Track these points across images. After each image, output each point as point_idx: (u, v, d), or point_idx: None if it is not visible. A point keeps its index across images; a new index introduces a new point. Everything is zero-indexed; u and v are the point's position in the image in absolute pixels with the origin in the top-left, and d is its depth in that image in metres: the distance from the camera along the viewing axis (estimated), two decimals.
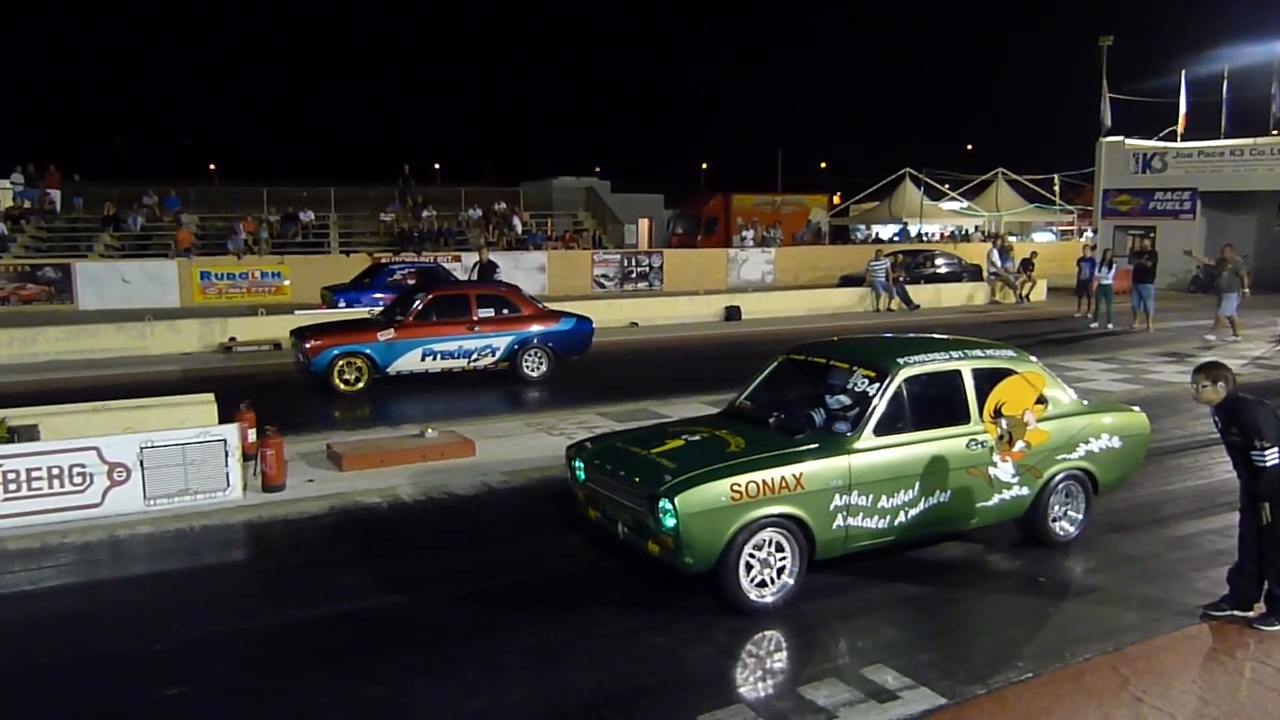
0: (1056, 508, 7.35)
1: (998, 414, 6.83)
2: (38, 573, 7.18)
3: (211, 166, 57.03)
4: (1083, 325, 22.22)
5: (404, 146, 68.67)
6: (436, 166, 57.66)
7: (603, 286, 31.14)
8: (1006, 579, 6.93)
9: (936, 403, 6.85)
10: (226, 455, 8.40)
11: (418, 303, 14.28)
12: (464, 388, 14.33)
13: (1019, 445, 6.90)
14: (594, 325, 15.61)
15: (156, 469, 8.17)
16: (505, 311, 14.65)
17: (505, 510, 8.63)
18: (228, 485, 8.43)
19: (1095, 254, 23.61)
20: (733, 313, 23.66)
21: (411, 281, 20.28)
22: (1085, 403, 7.72)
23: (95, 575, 7.22)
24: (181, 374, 15.77)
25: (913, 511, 6.63)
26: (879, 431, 6.52)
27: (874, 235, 46.32)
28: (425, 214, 33.49)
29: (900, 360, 6.80)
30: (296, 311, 19.54)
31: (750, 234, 37.62)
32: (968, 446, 6.78)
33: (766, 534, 6.13)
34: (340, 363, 13.55)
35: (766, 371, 7.79)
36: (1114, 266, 22.01)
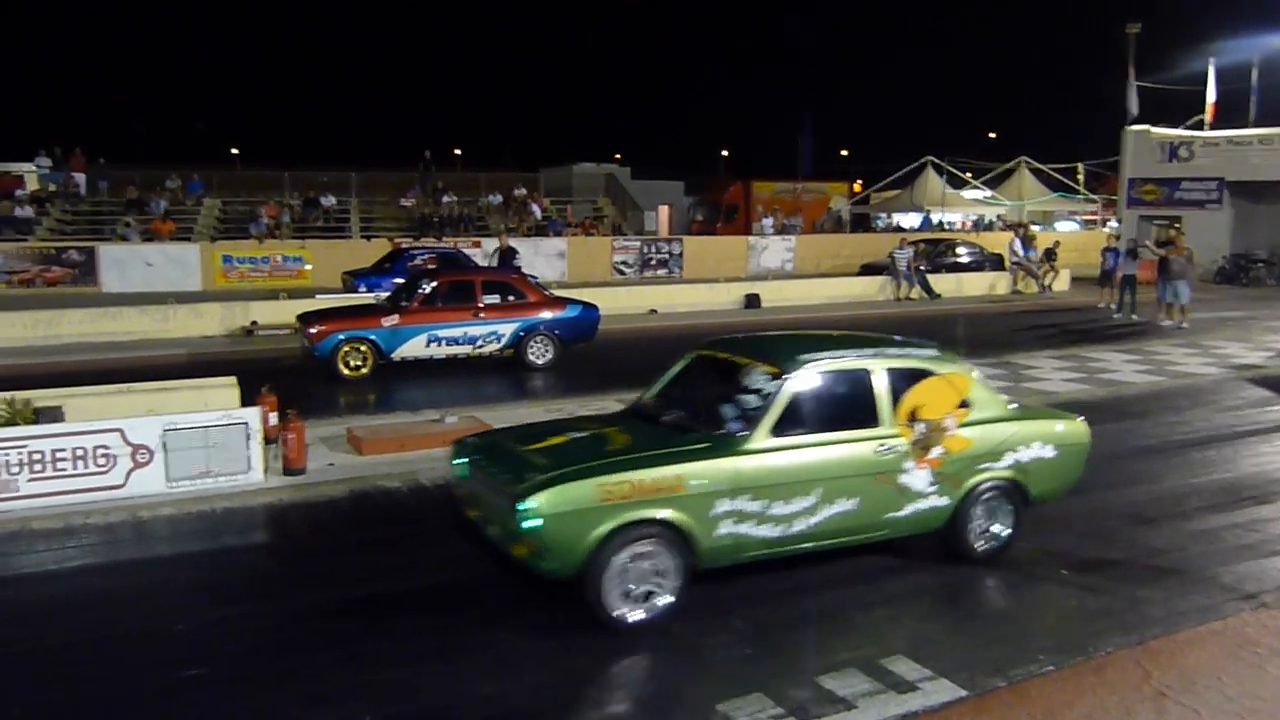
0: (979, 520, 6.80)
1: (914, 418, 6.43)
2: (61, 553, 7.27)
3: (234, 151, 57.21)
4: (1106, 316, 22.03)
5: (425, 132, 68.71)
6: (457, 152, 57.59)
7: (622, 273, 31.11)
8: (1028, 570, 6.87)
9: (842, 403, 6.40)
10: (248, 438, 8.43)
11: (423, 288, 14.32)
12: (476, 374, 14.35)
13: (936, 451, 6.47)
14: (601, 312, 15.59)
15: (179, 451, 8.21)
16: (511, 298, 14.65)
17: None
18: (249, 468, 8.47)
19: (1120, 244, 23.38)
20: (753, 300, 23.59)
21: (428, 267, 20.30)
22: (1015, 408, 7.17)
23: (117, 556, 7.29)
24: (203, 357, 15.86)
25: (812, 520, 6.14)
26: (777, 432, 6.08)
27: (895, 224, 46.03)
28: (445, 199, 33.51)
29: (801, 358, 6.36)
30: (317, 296, 19.62)
31: (770, 221, 37.48)
32: (876, 451, 6.31)
33: (640, 539, 5.66)
34: (345, 348, 13.61)
35: (676, 368, 7.32)
36: (1138, 257, 21.79)
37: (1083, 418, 7.39)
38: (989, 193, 46.71)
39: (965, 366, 6.97)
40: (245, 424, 8.43)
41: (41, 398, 9.10)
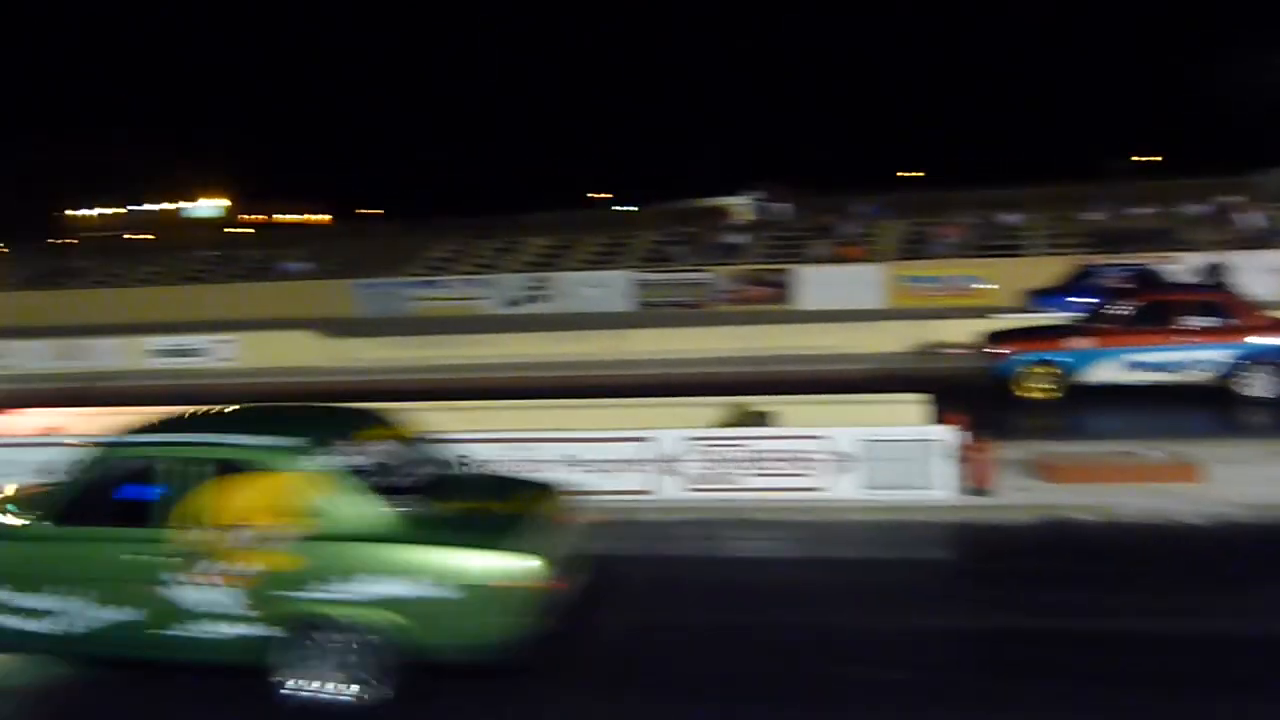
0: (307, 660, 5.54)
1: (202, 520, 5.61)
2: (771, 543, 8.22)
3: (915, 174, 59.40)
4: None
5: (1110, 139, 64.11)
6: (1151, 159, 53.06)
7: None
8: None
9: (121, 495, 6.04)
10: (940, 455, 8.61)
11: (1118, 308, 13.47)
12: (1176, 404, 12.85)
13: (221, 565, 5.56)
14: None
15: (875, 461, 8.68)
16: (1223, 320, 12.92)
17: (1241, 550, 7.61)
18: (938, 484, 8.63)
19: None
20: None
21: (1122, 285, 18.90)
22: (404, 526, 5.66)
23: (817, 553, 8.04)
24: (886, 372, 16.58)
25: (77, 621, 5.77)
26: (40, 516, 6.00)
27: None
28: (1137, 211, 31.12)
29: (107, 438, 6.38)
30: (997, 315, 19.41)
31: None
32: (135, 555, 5.74)
33: None
34: (1030, 369, 13.20)
35: None
36: None
37: (538, 556, 5.52)
38: None
39: (329, 465, 5.71)
40: (938, 441, 8.63)
41: (754, 403, 10.30)
